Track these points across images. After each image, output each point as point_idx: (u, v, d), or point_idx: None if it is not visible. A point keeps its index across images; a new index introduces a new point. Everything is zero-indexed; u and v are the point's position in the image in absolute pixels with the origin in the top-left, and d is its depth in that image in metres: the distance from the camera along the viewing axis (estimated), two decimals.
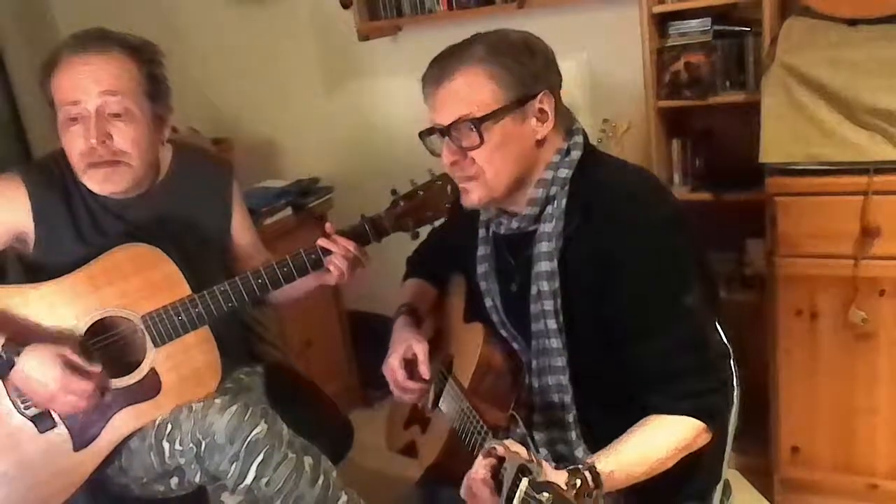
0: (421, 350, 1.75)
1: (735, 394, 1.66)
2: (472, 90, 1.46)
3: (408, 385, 1.76)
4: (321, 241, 1.78)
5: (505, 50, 1.48)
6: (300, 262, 1.78)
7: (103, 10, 3.09)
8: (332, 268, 1.78)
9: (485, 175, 1.51)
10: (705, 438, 1.46)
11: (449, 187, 1.76)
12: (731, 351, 1.65)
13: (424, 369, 1.75)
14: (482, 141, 1.47)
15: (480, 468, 1.32)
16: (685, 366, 1.44)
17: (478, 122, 1.46)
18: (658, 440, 1.42)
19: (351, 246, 1.77)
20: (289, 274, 1.79)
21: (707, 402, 1.44)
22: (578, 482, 1.31)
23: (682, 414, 1.42)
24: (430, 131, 1.55)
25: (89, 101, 1.73)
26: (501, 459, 1.29)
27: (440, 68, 1.49)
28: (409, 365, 1.77)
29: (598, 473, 1.33)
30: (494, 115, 1.46)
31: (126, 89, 1.76)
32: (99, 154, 1.76)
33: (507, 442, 1.32)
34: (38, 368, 1.66)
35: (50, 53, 1.78)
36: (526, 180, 1.54)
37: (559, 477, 1.30)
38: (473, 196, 1.54)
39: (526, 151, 1.52)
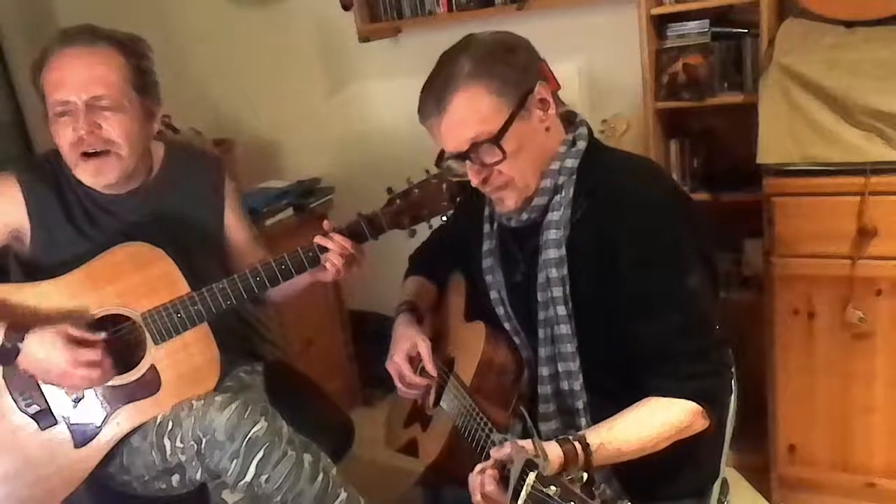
0: (425, 348, 1.78)
1: (733, 391, 1.68)
2: (475, 110, 1.47)
3: (414, 381, 1.78)
4: (318, 239, 1.79)
5: (487, 58, 1.48)
6: (297, 259, 1.80)
7: (106, 11, 3.09)
8: (328, 265, 1.80)
9: (514, 181, 1.54)
10: (703, 423, 1.47)
11: (444, 185, 1.78)
12: (727, 337, 1.66)
13: (431, 366, 1.77)
14: (504, 154, 1.48)
15: (488, 465, 1.34)
16: (684, 348, 1.46)
17: (496, 140, 1.47)
18: (652, 419, 1.44)
19: (348, 244, 1.79)
20: (286, 271, 1.80)
21: (704, 385, 1.46)
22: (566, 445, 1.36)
23: (679, 396, 1.44)
24: (442, 157, 1.57)
25: (79, 94, 1.76)
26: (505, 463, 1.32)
27: (435, 99, 1.49)
28: (413, 362, 1.79)
29: (587, 444, 1.37)
30: (506, 126, 1.48)
31: (114, 82, 1.79)
32: (88, 143, 1.78)
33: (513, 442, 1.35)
34: (42, 349, 1.68)
35: (40, 50, 1.81)
36: (545, 169, 1.56)
37: (551, 450, 1.33)
38: (510, 202, 1.57)
39: (541, 143, 1.54)
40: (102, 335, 1.74)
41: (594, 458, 1.38)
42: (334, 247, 1.78)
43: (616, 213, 1.50)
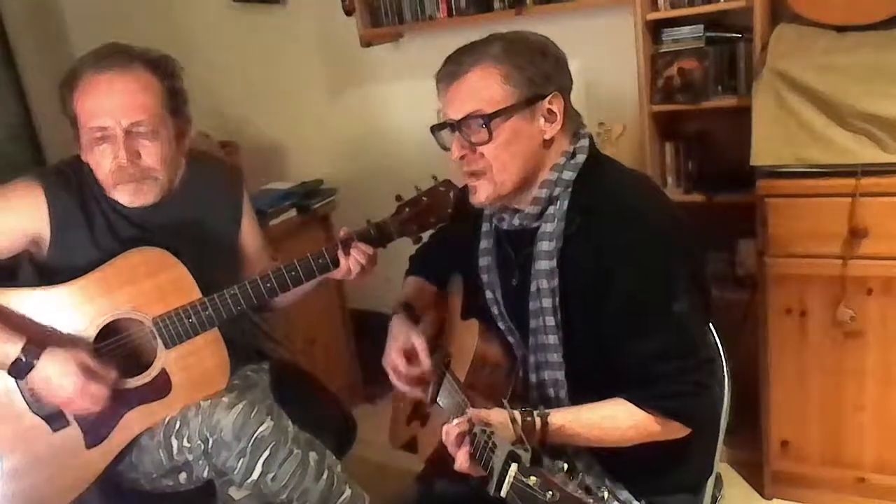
0: (419, 342, 1.78)
1: (726, 390, 1.70)
2: (484, 87, 1.49)
3: (409, 372, 1.78)
4: (342, 255, 1.82)
5: (519, 50, 1.51)
6: (308, 266, 1.82)
7: (113, 17, 3.13)
8: (342, 264, 1.82)
9: (492, 171, 1.53)
10: (675, 431, 1.49)
11: (452, 193, 1.79)
12: (721, 353, 1.69)
13: (424, 358, 1.77)
14: (491, 137, 1.50)
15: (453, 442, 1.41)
16: (665, 369, 1.46)
17: (487, 119, 1.49)
18: (620, 419, 1.47)
19: (370, 251, 1.83)
20: (296, 278, 1.82)
21: (679, 404, 1.46)
22: (528, 418, 1.42)
23: (653, 412, 1.46)
24: (441, 126, 1.59)
25: (118, 120, 1.74)
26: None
27: (455, 64, 1.52)
28: (409, 356, 1.80)
29: (547, 422, 1.43)
30: (504, 112, 1.49)
31: (151, 107, 1.77)
32: (129, 173, 1.79)
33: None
34: (57, 373, 1.70)
35: (70, 70, 1.78)
36: (532, 180, 1.56)
37: (514, 417, 1.40)
38: (481, 194, 1.57)
39: (533, 150, 1.54)
40: (113, 373, 1.76)
41: (549, 436, 1.43)
42: (358, 256, 1.81)
43: (611, 233, 1.50)
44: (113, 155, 1.78)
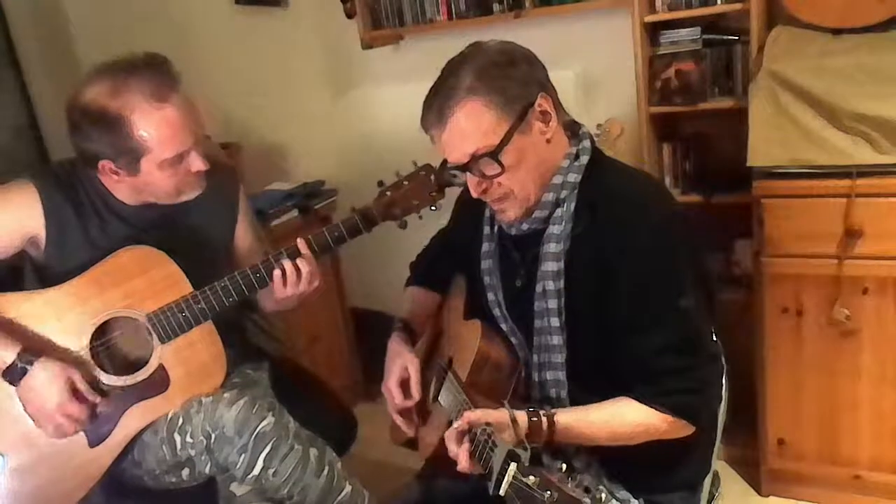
0: (413, 371, 1.81)
1: (724, 389, 1.71)
2: (475, 124, 1.48)
3: (404, 405, 1.82)
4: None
5: (490, 72, 1.48)
6: (293, 250, 1.85)
7: (117, 18, 3.14)
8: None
9: (514, 192, 1.55)
10: (680, 430, 1.50)
11: (432, 176, 1.81)
12: (721, 350, 1.70)
13: (416, 390, 1.81)
14: (503, 168, 1.50)
15: (453, 441, 1.43)
16: (670, 365, 1.47)
17: (494, 154, 1.48)
18: (626, 418, 1.48)
19: (308, 264, 1.86)
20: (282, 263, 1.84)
21: (684, 401, 1.47)
22: (534, 418, 1.43)
23: (658, 408, 1.47)
24: (445, 166, 1.61)
25: (187, 145, 1.80)
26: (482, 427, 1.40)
27: (437, 111, 1.50)
28: (405, 385, 1.83)
29: (554, 422, 1.44)
30: (505, 141, 1.49)
31: (200, 120, 1.83)
32: (192, 189, 1.88)
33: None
34: (44, 383, 1.72)
35: (114, 100, 1.75)
36: (548, 178, 1.57)
37: (520, 418, 1.41)
38: (511, 214, 1.59)
39: (542, 154, 1.54)
40: (98, 398, 1.79)
41: (556, 437, 1.44)
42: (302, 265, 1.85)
43: (616, 232, 1.50)
44: (183, 175, 1.84)
